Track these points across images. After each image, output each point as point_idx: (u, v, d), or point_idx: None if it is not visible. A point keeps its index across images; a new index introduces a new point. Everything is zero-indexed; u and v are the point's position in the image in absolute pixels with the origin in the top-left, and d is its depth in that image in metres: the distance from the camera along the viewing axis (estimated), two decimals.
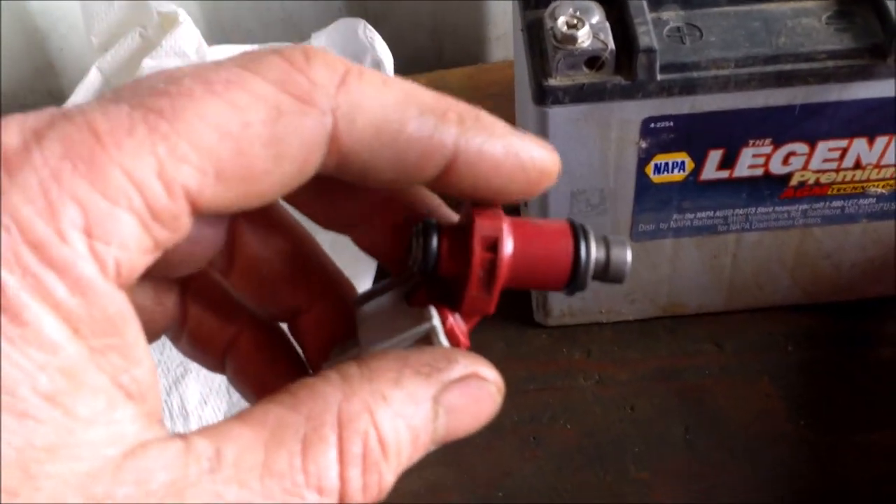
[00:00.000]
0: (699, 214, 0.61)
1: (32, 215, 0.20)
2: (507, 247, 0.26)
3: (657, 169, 0.58)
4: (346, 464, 0.23)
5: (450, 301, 0.28)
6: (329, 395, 0.24)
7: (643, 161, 0.58)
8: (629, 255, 0.28)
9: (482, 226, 0.26)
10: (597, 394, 0.67)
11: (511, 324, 0.70)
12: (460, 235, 0.27)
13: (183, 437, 0.22)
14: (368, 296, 0.30)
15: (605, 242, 0.28)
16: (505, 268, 0.26)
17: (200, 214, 0.23)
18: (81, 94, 0.71)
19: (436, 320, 0.27)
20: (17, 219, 0.20)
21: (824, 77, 0.54)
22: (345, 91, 0.23)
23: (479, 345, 0.68)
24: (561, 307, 0.68)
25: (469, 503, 0.62)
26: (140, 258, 0.22)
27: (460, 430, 0.27)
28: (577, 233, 0.27)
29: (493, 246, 0.26)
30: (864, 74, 0.54)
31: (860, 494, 0.61)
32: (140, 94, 0.22)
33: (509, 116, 0.70)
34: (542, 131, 0.55)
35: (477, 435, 0.66)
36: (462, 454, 0.64)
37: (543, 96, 0.53)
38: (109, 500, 0.20)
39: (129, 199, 0.21)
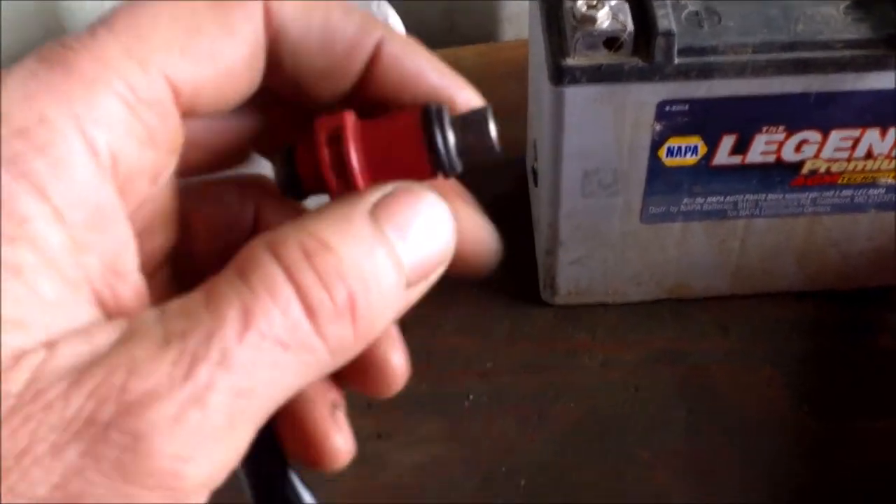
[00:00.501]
0: (710, 199, 0.62)
1: (12, 104, 0.21)
2: (350, 133, 0.26)
3: (670, 152, 0.58)
4: (292, 268, 0.22)
5: None
6: (253, 241, 0.23)
7: (656, 144, 0.58)
8: (492, 129, 0.26)
9: (324, 122, 0.26)
10: (601, 374, 0.67)
11: (517, 302, 0.70)
12: (309, 141, 0.26)
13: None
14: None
15: (465, 120, 0.26)
16: (352, 154, 0.25)
17: (184, 97, 0.24)
18: None
19: None
20: (9, 112, 0.21)
21: (840, 66, 0.54)
22: None
23: (485, 322, 0.69)
24: (568, 286, 0.68)
25: (471, 478, 0.62)
26: (136, 149, 0.23)
27: (421, 248, 0.24)
28: (428, 113, 0.26)
29: (338, 137, 0.26)
30: (879, 65, 0.54)
31: (862, 482, 0.62)
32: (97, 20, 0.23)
33: (522, 96, 0.70)
34: (557, 111, 0.55)
35: (481, 411, 0.66)
36: (466, 430, 0.64)
37: (561, 76, 0.53)
38: (52, 361, 0.20)
39: (107, 81, 0.22)
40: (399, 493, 0.62)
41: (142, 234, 0.25)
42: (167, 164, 0.25)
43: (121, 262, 0.23)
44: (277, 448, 0.28)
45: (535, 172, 0.68)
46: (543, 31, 0.55)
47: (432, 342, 0.67)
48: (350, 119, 0.26)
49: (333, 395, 0.30)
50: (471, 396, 0.66)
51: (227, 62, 0.25)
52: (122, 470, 0.19)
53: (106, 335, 0.21)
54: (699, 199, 0.62)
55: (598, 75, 0.53)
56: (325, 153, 0.25)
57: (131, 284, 0.23)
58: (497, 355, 0.68)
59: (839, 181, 0.61)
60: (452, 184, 0.28)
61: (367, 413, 0.63)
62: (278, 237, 0.22)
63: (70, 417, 0.19)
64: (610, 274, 0.68)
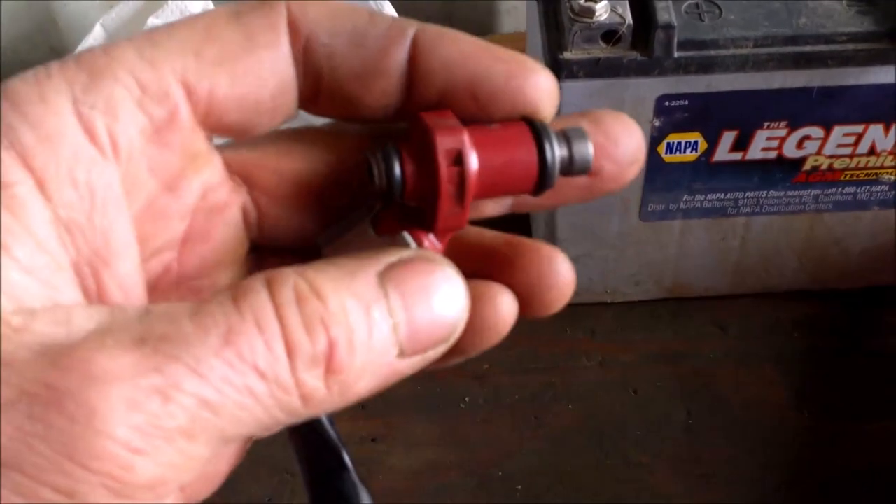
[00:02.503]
0: (710, 196, 0.61)
1: (21, 87, 0.22)
2: (473, 157, 0.25)
3: (669, 148, 0.57)
4: (281, 306, 0.21)
5: (420, 222, 0.26)
6: (258, 273, 0.22)
7: (656, 140, 0.57)
8: (590, 147, 0.26)
9: (443, 140, 0.25)
10: (599, 375, 0.66)
11: None
12: (421, 153, 0.26)
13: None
14: (331, 235, 0.29)
15: (566, 137, 0.26)
16: (473, 178, 0.25)
17: (198, 98, 0.24)
18: None
19: (412, 244, 0.26)
20: (8, 91, 0.22)
21: (844, 60, 0.53)
22: None
23: None
24: None
25: (468, 482, 0.61)
26: (140, 139, 0.23)
27: (425, 322, 0.23)
28: (539, 132, 0.25)
29: (458, 158, 0.25)
30: (883, 59, 0.53)
31: (862, 483, 0.61)
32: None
33: None
34: None
35: (477, 413, 0.65)
36: (462, 433, 0.63)
37: (558, 70, 0.52)
38: (25, 333, 0.20)
39: (114, 72, 0.22)
40: (393, 498, 0.61)
41: (184, 243, 0.25)
42: (183, 172, 0.25)
43: (111, 251, 0.22)
44: (334, 444, 0.27)
45: None
46: (541, 25, 0.54)
47: None
48: (466, 136, 0.25)
49: None
50: (467, 399, 0.65)
51: (246, 67, 0.24)
52: (69, 444, 0.19)
53: (84, 320, 0.20)
54: (699, 197, 0.60)
55: (596, 69, 0.52)
56: (446, 176, 0.25)
57: (119, 276, 0.23)
58: (493, 356, 0.66)
59: (841, 178, 0.60)
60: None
61: (360, 416, 0.62)
62: (278, 275, 0.22)
63: (28, 379, 0.19)
64: (608, 273, 0.66)
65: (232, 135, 0.25)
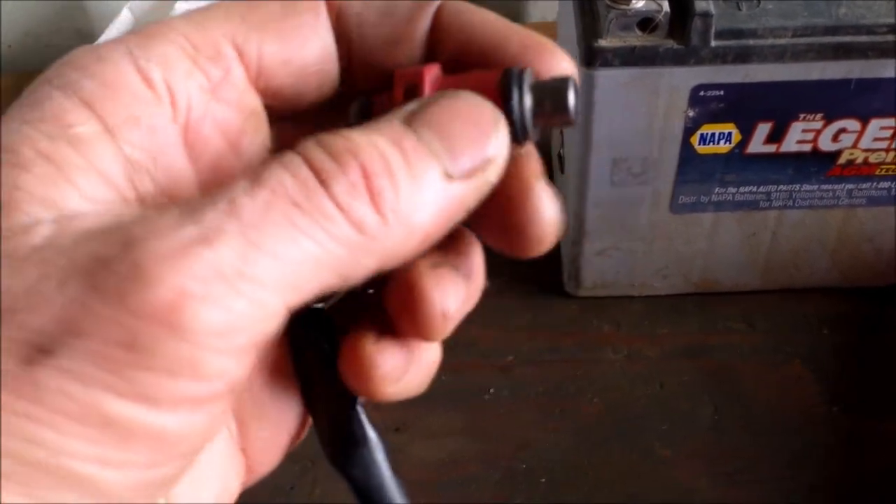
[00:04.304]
0: (742, 189, 0.60)
1: (83, 54, 0.23)
2: (427, 89, 0.25)
3: (703, 139, 0.56)
4: (305, 148, 0.21)
5: None
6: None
7: (689, 130, 0.56)
8: (572, 94, 0.25)
9: (403, 73, 0.25)
10: (625, 368, 0.65)
11: (540, 293, 0.68)
12: (388, 96, 0.26)
13: None
14: None
15: (543, 84, 0.25)
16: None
17: (249, 59, 0.25)
18: (112, 35, 0.69)
19: None
20: (72, 58, 0.23)
21: (883, 51, 0.52)
22: None
23: (506, 313, 0.67)
24: (593, 278, 0.66)
25: (491, 474, 0.61)
26: (199, 95, 0.23)
27: (459, 138, 0.23)
28: (509, 78, 0.25)
29: (413, 90, 0.25)
30: None
31: (891, 481, 0.60)
32: None
33: None
34: (587, 95, 0.53)
35: (501, 405, 0.64)
36: (486, 425, 0.62)
37: (592, 58, 0.51)
38: (76, 220, 0.21)
39: (167, 34, 0.23)
40: (416, 489, 0.60)
41: None
42: (243, 127, 0.25)
43: (175, 190, 0.23)
44: (343, 386, 0.27)
45: (561, 159, 0.66)
46: (575, 11, 0.53)
47: (451, 334, 0.65)
48: (430, 72, 0.25)
49: (438, 258, 0.26)
50: (491, 390, 0.64)
51: (290, 30, 0.25)
52: (123, 299, 0.19)
53: (129, 212, 0.21)
54: (731, 189, 0.60)
55: (631, 58, 0.51)
56: (400, 100, 0.25)
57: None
58: (518, 348, 0.66)
59: (877, 172, 0.59)
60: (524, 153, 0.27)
61: (383, 405, 0.61)
62: (308, 140, 0.22)
63: (78, 256, 0.20)
64: (636, 266, 0.65)
65: (282, 101, 0.26)
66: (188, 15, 0.24)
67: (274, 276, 0.20)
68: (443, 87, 0.25)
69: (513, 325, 0.67)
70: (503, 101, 0.24)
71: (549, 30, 0.67)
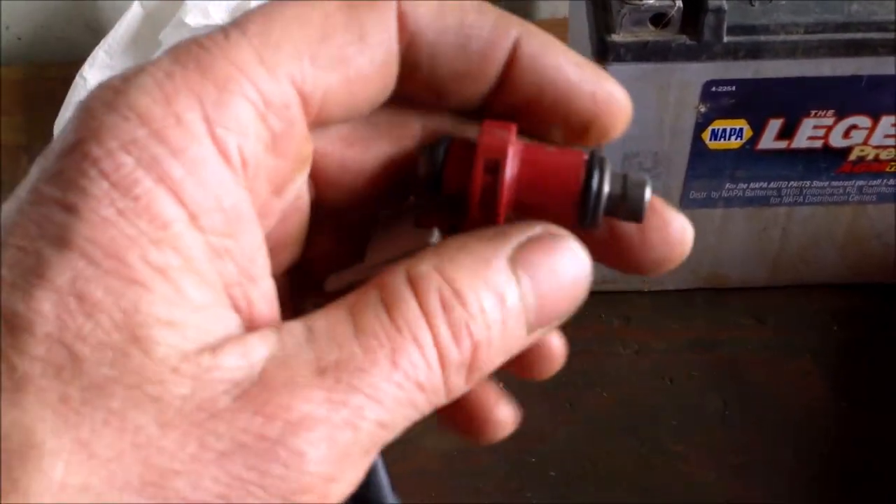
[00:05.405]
0: (752, 185, 0.60)
1: (150, 104, 0.21)
2: (509, 171, 0.25)
3: (714, 135, 0.56)
4: (431, 315, 0.23)
5: (456, 224, 0.26)
6: (395, 269, 0.23)
7: (700, 126, 0.56)
8: (648, 192, 0.26)
9: (487, 145, 0.25)
10: (634, 362, 0.65)
11: None
12: (466, 154, 0.26)
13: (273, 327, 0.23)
14: (386, 221, 0.29)
15: (625, 178, 0.26)
16: (504, 193, 0.25)
17: (312, 105, 0.24)
18: (122, 30, 0.70)
19: (436, 238, 0.26)
20: (135, 108, 0.21)
21: (894, 48, 0.52)
22: None
23: None
24: (602, 272, 0.66)
25: (501, 467, 0.61)
26: (262, 152, 0.23)
27: (552, 300, 0.24)
28: (592, 163, 0.25)
29: (496, 167, 0.25)
30: None
31: None
32: (230, 21, 0.24)
33: None
34: None
35: (511, 398, 0.65)
36: None
37: (605, 52, 0.52)
38: (215, 372, 0.21)
39: (240, 85, 0.22)
40: (425, 480, 0.60)
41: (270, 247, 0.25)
42: (292, 175, 0.25)
43: (254, 267, 0.23)
44: None
45: None
46: (588, 7, 0.53)
47: None
48: (511, 150, 0.25)
49: None
50: (500, 383, 0.64)
51: (357, 69, 0.24)
52: (283, 486, 0.21)
53: (259, 350, 0.22)
54: (742, 185, 0.60)
55: (643, 53, 0.52)
56: (479, 181, 0.25)
57: (264, 290, 0.23)
58: None
59: (887, 169, 0.59)
60: None
61: None
62: (419, 272, 0.23)
63: (238, 430, 0.20)
64: None
65: (326, 126, 0.25)
66: (258, 45, 0.23)
67: (382, 444, 0.23)
68: (522, 161, 0.25)
69: None
70: (583, 187, 0.25)
71: (560, 26, 0.67)
